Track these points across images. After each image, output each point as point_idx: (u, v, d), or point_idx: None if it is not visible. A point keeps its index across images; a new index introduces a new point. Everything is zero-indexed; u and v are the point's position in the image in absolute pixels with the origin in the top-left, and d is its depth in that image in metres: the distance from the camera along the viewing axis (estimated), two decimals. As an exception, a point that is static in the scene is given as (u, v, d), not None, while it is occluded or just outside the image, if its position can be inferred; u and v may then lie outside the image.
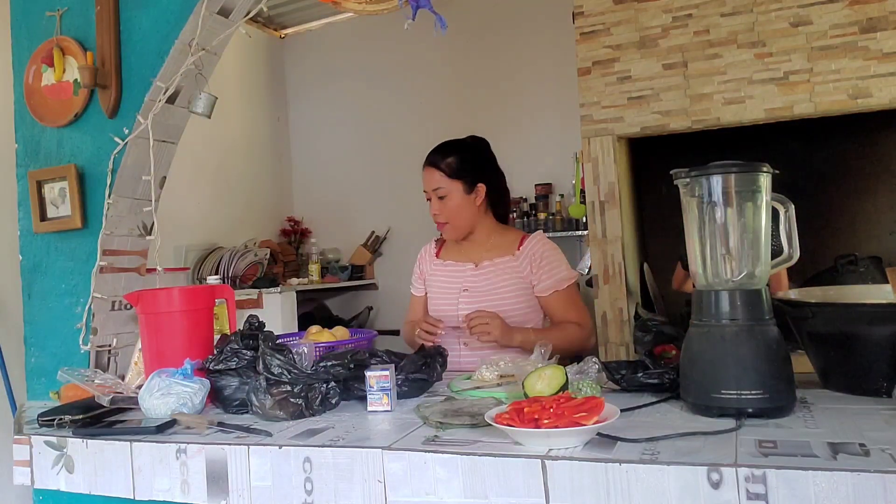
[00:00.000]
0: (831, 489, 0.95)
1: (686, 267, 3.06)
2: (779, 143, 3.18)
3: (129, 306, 2.12)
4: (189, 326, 1.74)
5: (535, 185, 4.61)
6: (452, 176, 2.10)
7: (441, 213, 2.12)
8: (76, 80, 2.11)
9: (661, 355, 1.54)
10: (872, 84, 2.62)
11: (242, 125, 5.17)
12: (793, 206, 1.35)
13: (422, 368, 1.65)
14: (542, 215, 4.51)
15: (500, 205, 2.24)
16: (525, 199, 4.63)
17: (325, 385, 1.51)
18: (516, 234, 2.19)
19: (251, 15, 2.04)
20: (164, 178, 2.18)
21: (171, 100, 2.06)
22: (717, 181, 1.31)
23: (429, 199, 2.15)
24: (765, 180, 1.32)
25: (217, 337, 1.75)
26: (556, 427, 1.13)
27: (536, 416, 1.16)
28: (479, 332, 1.90)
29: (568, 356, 1.96)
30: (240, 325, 1.71)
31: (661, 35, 2.90)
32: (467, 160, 2.12)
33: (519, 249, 2.11)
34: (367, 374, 1.51)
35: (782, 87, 2.73)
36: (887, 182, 3.34)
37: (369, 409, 1.50)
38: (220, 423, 1.46)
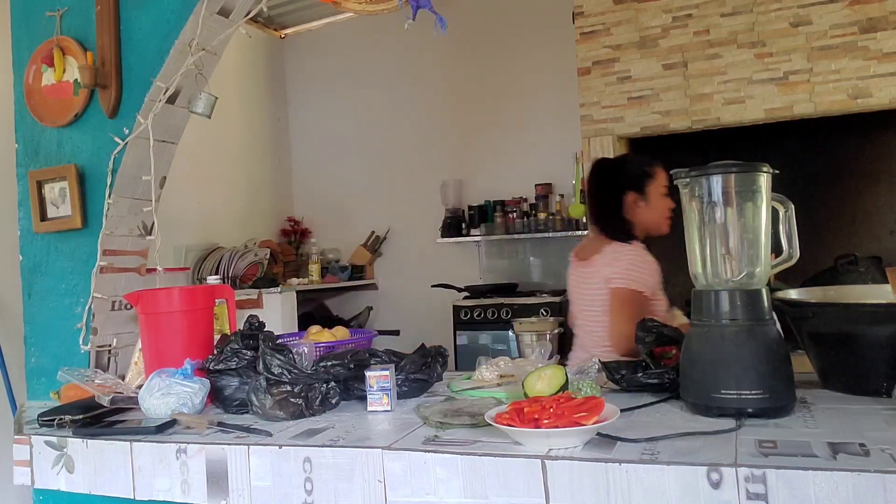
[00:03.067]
0: (831, 489, 0.95)
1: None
2: (779, 143, 3.18)
3: (129, 306, 2.12)
4: (189, 326, 1.74)
5: (535, 185, 4.60)
6: None
7: None
8: (76, 80, 2.11)
9: (662, 355, 1.54)
10: (872, 84, 2.62)
11: (242, 125, 5.17)
12: (793, 206, 1.36)
13: (422, 368, 1.65)
14: (542, 215, 4.49)
15: None
16: (525, 199, 4.62)
17: (325, 385, 1.51)
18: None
19: (251, 15, 2.04)
20: (164, 178, 2.18)
21: (171, 100, 2.06)
22: (717, 181, 1.31)
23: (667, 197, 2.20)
24: (765, 180, 1.32)
25: (217, 337, 1.75)
26: (556, 427, 1.13)
27: (536, 416, 1.16)
28: None
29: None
30: (240, 325, 1.71)
31: (661, 35, 2.91)
32: None
33: None
34: (367, 374, 1.51)
35: (782, 87, 2.74)
36: (887, 182, 3.34)
37: (369, 409, 1.50)
38: (220, 423, 1.47)
